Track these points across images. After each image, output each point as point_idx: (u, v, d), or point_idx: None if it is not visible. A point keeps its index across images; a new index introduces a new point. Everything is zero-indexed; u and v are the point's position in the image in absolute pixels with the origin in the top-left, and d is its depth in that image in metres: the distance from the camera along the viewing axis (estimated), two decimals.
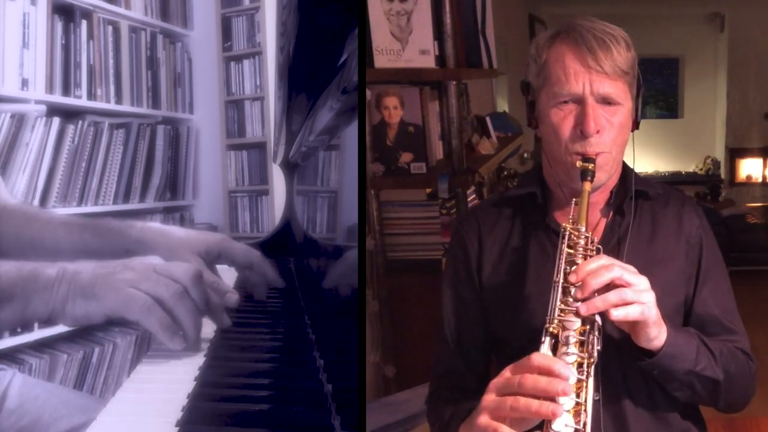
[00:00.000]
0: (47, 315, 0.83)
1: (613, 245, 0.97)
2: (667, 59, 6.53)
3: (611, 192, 1.01)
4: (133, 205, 3.06)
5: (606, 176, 0.97)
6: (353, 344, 0.81)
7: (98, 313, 0.83)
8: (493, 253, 1.04)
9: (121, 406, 0.72)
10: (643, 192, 1.01)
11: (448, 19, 1.92)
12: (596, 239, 0.91)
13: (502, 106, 3.80)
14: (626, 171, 1.03)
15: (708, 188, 5.94)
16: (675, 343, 0.89)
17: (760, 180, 6.26)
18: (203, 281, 0.87)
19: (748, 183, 6.29)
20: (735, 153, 6.29)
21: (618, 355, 0.93)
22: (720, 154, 6.45)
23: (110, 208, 2.91)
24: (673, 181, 6.19)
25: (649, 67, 6.48)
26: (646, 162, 6.38)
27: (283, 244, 1.74)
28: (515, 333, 1.00)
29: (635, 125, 0.99)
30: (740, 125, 6.23)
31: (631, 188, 1.00)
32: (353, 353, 0.80)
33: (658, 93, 6.46)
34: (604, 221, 1.01)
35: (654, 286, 0.86)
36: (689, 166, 6.50)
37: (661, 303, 0.88)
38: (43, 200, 2.58)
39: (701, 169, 6.48)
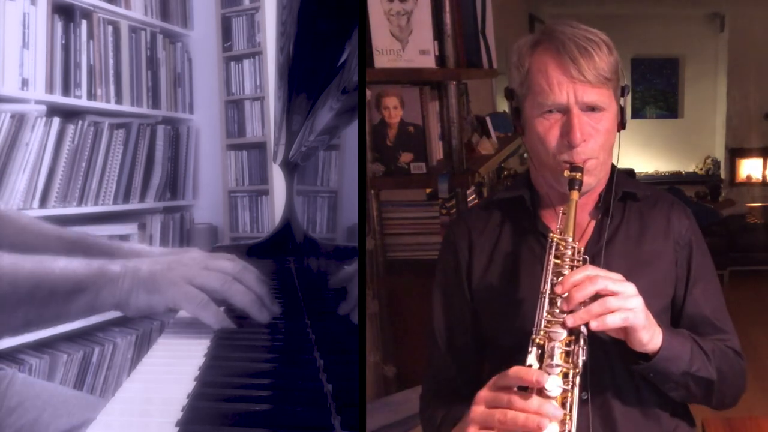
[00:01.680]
0: (114, 305, 0.92)
1: (601, 247, 0.98)
2: (667, 59, 6.53)
3: (600, 195, 1.02)
4: (133, 205, 3.07)
5: (595, 180, 0.98)
6: (353, 344, 0.81)
7: (160, 305, 0.94)
8: (483, 258, 1.05)
9: (121, 406, 0.72)
10: (631, 194, 1.02)
11: (448, 19, 1.92)
12: (582, 248, 0.91)
13: (502, 106, 3.80)
14: (614, 173, 1.03)
15: (708, 188, 5.94)
16: (670, 346, 0.90)
17: (760, 180, 6.27)
18: (249, 271, 1.00)
19: (748, 183, 6.30)
20: (735, 153, 6.30)
21: (605, 354, 0.94)
22: (720, 154, 6.46)
23: (110, 208, 2.91)
24: (673, 181, 6.19)
25: (649, 67, 6.49)
26: (646, 162, 6.38)
27: (283, 244, 1.74)
28: (506, 336, 1.01)
29: (621, 125, 1.00)
30: (740, 125, 6.24)
31: (618, 190, 1.01)
32: (353, 353, 0.81)
33: (658, 93, 6.46)
34: (593, 223, 1.02)
35: (642, 286, 0.87)
36: (689, 166, 6.51)
37: (648, 304, 0.88)
38: (43, 200, 2.58)
39: (701, 169, 6.48)
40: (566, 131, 0.94)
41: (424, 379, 1.12)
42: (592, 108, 0.95)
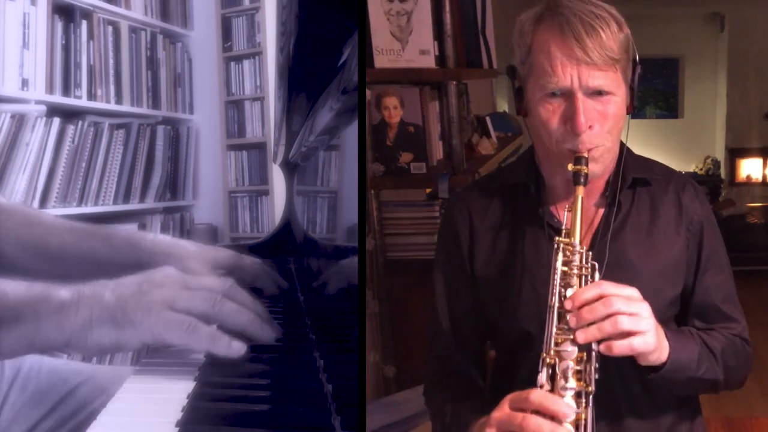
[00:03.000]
0: (63, 342, 0.74)
1: (609, 239, 0.94)
2: (667, 59, 6.53)
3: (607, 181, 0.97)
4: (133, 205, 3.06)
5: (601, 168, 0.93)
6: (353, 344, 0.81)
7: (133, 340, 0.75)
8: (485, 243, 1.00)
9: (121, 406, 0.72)
10: (641, 179, 0.97)
11: (448, 19, 1.92)
12: (590, 254, 0.87)
13: (502, 106, 3.80)
14: (622, 156, 0.96)
15: (708, 188, 5.94)
16: (677, 358, 0.87)
17: (760, 180, 6.27)
18: (239, 287, 0.84)
19: (748, 183, 6.30)
20: (735, 153, 6.30)
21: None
22: (720, 154, 6.46)
23: (110, 208, 2.91)
24: None
25: (649, 67, 6.48)
26: None
27: (283, 245, 1.74)
28: (508, 327, 0.99)
29: (630, 107, 0.94)
30: (740, 125, 6.24)
31: (627, 176, 0.95)
32: (353, 353, 0.80)
33: (658, 93, 6.46)
34: (600, 212, 0.97)
35: (653, 278, 0.86)
36: (689, 166, 6.50)
37: (660, 295, 0.87)
38: (43, 200, 2.58)
39: (701, 169, 6.48)
40: (570, 117, 0.88)
41: (427, 360, 1.09)
42: (598, 92, 0.88)
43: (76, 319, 0.73)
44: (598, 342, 0.81)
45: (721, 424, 1.15)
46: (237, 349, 0.76)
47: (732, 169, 6.29)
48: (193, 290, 0.78)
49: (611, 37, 0.87)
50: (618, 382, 0.95)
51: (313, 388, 0.76)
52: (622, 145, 0.97)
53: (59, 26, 2.68)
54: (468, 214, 1.02)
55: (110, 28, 2.96)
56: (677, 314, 0.99)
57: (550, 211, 0.97)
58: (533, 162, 1.00)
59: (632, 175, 0.96)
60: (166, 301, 0.76)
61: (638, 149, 1.00)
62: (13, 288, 0.74)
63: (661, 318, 0.92)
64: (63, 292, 0.74)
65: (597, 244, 0.94)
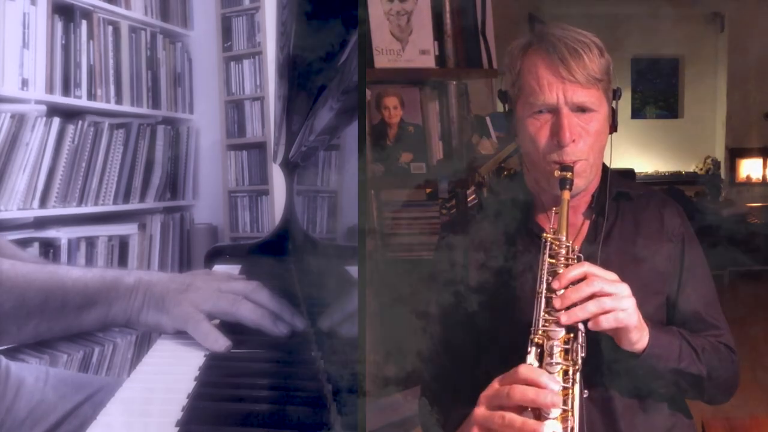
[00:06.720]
0: (125, 321, 0.93)
1: (596, 247, 0.99)
2: (667, 59, 6.53)
3: (592, 195, 1.03)
4: (133, 205, 3.06)
5: (585, 182, 0.99)
6: (353, 344, 0.81)
7: (168, 325, 0.94)
8: (478, 260, 1.06)
9: (122, 406, 0.72)
10: (624, 193, 1.04)
11: (448, 19, 1.92)
12: (577, 247, 0.93)
13: (502, 106, 3.80)
14: (606, 173, 1.04)
15: (708, 188, 5.94)
16: (658, 344, 0.91)
17: (760, 180, 6.27)
18: (262, 289, 1.00)
19: (748, 183, 6.30)
20: (735, 153, 6.29)
21: (603, 350, 0.94)
22: (720, 154, 6.46)
23: (110, 208, 2.91)
24: (673, 181, 6.18)
25: (649, 67, 6.48)
26: (646, 162, 6.37)
27: (283, 244, 1.74)
28: (501, 336, 1.02)
29: (613, 128, 1.01)
30: (740, 125, 6.23)
31: (612, 190, 1.02)
32: (353, 353, 0.80)
33: (658, 93, 6.45)
34: (587, 223, 1.03)
35: (638, 285, 0.88)
36: (689, 166, 6.50)
37: (645, 302, 0.90)
38: (43, 200, 2.58)
39: (701, 169, 6.48)
40: (556, 131, 0.95)
41: (422, 384, 1.12)
42: (582, 109, 0.96)
43: (135, 302, 0.92)
44: (585, 321, 0.84)
45: (721, 424, 1.15)
46: (221, 344, 0.91)
47: (732, 169, 6.28)
48: (222, 292, 0.95)
49: (593, 59, 0.95)
50: (610, 385, 0.97)
51: (313, 388, 0.76)
52: (606, 168, 1.05)
53: (59, 26, 2.68)
54: (462, 233, 1.08)
55: (110, 28, 2.96)
56: (663, 325, 1.02)
57: (538, 224, 1.04)
58: (523, 183, 1.07)
59: (616, 189, 1.03)
60: (195, 300, 0.93)
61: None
62: (92, 277, 0.90)
63: None
64: (128, 278, 0.92)
65: (584, 252, 0.98)
